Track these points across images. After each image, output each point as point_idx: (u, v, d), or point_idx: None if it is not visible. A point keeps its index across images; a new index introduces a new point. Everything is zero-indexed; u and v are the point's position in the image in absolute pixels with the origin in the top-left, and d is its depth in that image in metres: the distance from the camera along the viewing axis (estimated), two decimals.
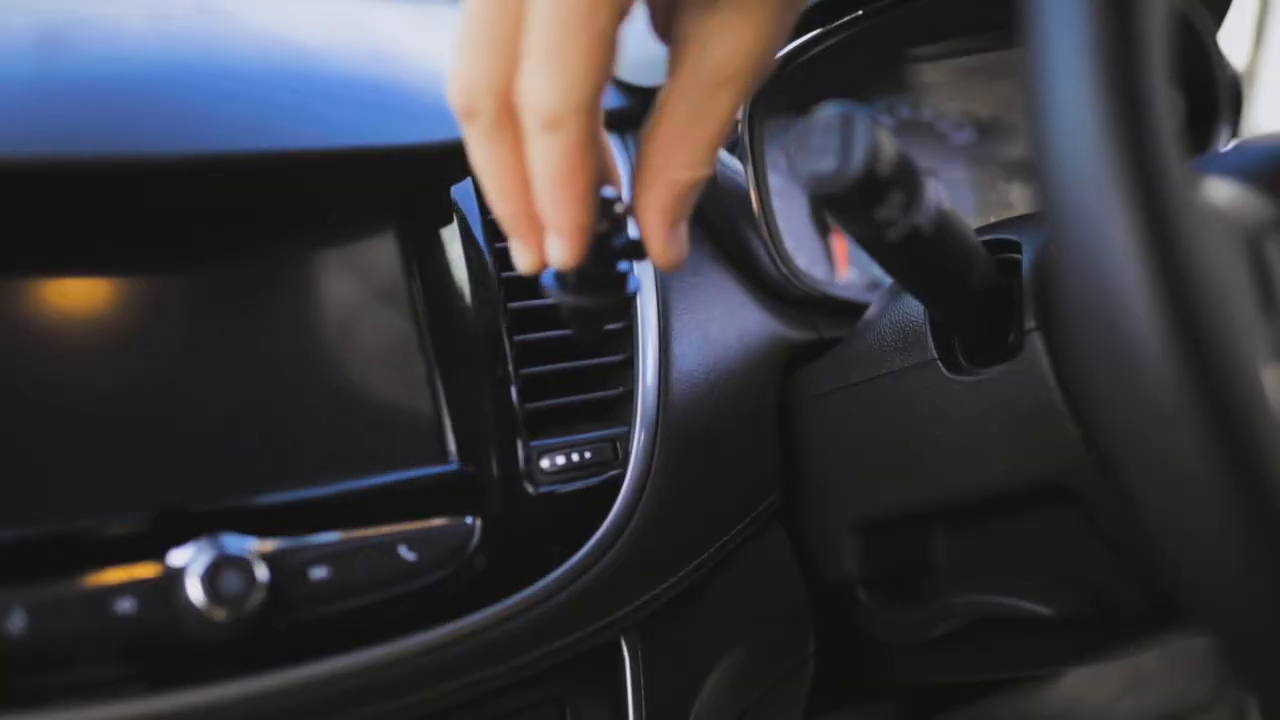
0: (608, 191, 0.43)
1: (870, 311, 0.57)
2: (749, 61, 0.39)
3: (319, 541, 0.46)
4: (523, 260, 0.41)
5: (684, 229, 0.43)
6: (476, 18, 0.39)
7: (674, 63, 0.40)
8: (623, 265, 0.43)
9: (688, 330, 0.58)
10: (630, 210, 0.44)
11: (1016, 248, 0.50)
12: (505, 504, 0.51)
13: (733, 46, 0.39)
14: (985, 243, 0.49)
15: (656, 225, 0.42)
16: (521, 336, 0.54)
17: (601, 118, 0.39)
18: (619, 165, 0.43)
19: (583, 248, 0.41)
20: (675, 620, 0.56)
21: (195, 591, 0.43)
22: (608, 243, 0.43)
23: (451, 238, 0.53)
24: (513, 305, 0.55)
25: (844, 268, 0.75)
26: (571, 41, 0.37)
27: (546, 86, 0.38)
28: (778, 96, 0.68)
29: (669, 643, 0.56)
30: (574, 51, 0.37)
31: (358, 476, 0.49)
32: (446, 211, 0.54)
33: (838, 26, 0.68)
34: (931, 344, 0.52)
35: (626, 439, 0.54)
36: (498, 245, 0.55)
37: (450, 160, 0.50)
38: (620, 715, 0.54)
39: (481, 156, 0.40)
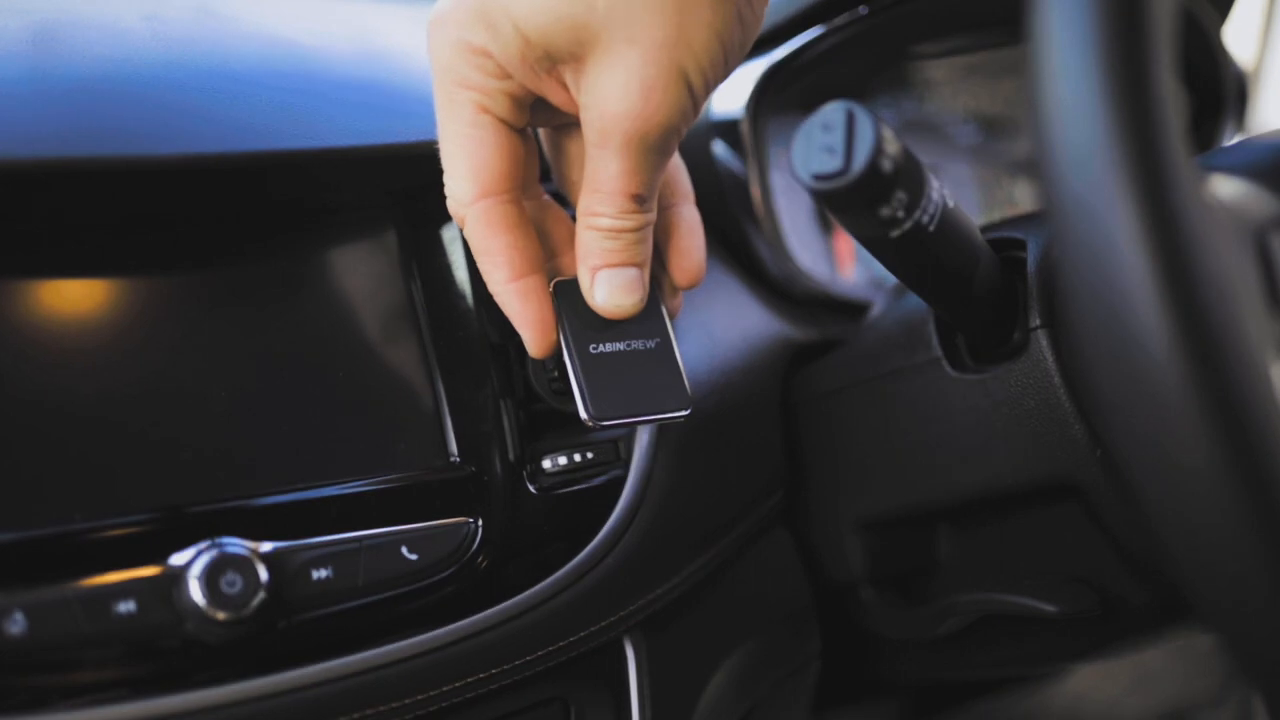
0: None
1: (874, 310, 0.57)
2: (621, 123, 0.42)
3: (320, 542, 0.46)
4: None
5: (630, 277, 0.46)
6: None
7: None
8: None
9: (691, 329, 0.58)
10: None
11: (1021, 245, 0.50)
12: (507, 504, 0.51)
13: (601, 109, 0.42)
14: (990, 240, 0.49)
15: (585, 269, 0.46)
16: None
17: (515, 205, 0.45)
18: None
19: (545, 339, 0.46)
20: (679, 620, 0.56)
21: (196, 592, 0.43)
22: None
23: (452, 238, 0.52)
24: None
25: (847, 267, 0.74)
26: (452, 152, 0.45)
27: (447, 188, 0.46)
28: (781, 94, 0.68)
29: (673, 642, 0.56)
30: (458, 159, 0.45)
31: (359, 477, 0.49)
32: (446, 211, 0.54)
33: (842, 24, 0.68)
34: (936, 342, 0.52)
35: (629, 439, 0.54)
36: None
37: None
38: (624, 715, 0.54)
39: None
